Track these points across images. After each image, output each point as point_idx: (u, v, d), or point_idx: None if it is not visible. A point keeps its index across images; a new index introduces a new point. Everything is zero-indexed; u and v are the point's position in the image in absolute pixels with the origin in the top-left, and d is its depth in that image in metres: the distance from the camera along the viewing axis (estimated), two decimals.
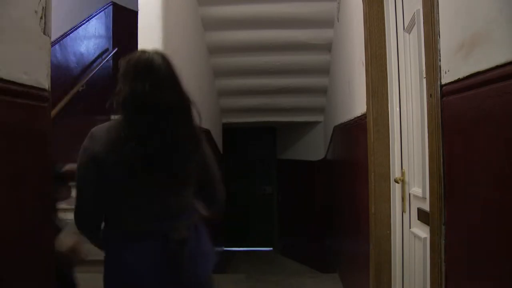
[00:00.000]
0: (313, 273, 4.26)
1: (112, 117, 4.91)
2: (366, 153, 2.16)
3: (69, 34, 3.89)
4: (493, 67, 0.86)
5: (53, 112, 3.22)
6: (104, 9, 4.83)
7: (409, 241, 1.87)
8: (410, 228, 1.86)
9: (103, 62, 4.61)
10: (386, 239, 2.05)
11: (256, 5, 3.49)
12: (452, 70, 1.06)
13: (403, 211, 1.95)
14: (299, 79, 4.25)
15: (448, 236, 1.13)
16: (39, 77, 1.07)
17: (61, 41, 3.75)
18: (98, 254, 1.38)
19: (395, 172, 2.03)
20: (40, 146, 1.09)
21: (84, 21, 4.26)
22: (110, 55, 4.85)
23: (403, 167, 1.96)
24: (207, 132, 3.41)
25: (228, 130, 5.18)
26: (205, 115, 2.33)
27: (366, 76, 2.15)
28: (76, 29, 4.04)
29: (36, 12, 1.05)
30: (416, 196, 1.72)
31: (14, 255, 0.97)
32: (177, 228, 1.28)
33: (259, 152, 6.45)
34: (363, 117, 2.24)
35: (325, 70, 4.08)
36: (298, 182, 5.47)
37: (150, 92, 1.22)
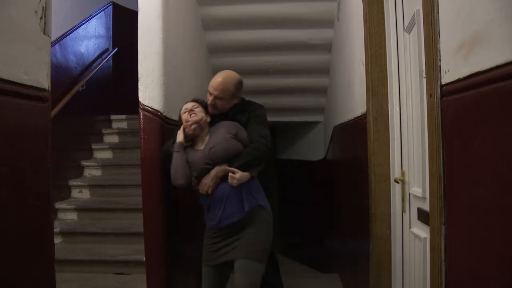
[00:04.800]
0: (313, 273, 4.25)
1: (112, 116, 4.92)
2: (366, 153, 2.16)
3: (69, 34, 3.88)
4: (493, 67, 0.86)
5: (53, 112, 3.22)
6: (104, 9, 4.83)
7: (409, 241, 1.87)
8: (410, 228, 1.86)
9: (103, 62, 4.62)
10: (386, 239, 2.05)
11: (256, 5, 3.49)
12: (452, 70, 1.06)
13: (403, 211, 1.95)
14: (299, 79, 4.24)
15: (448, 236, 1.13)
16: (39, 77, 1.07)
17: (61, 41, 3.74)
18: (97, 254, 1.38)
19: (395, 172, 2.03)
20: (39, 146, 1.09)
21: (84, 21, 4.25)
22: (110, 55, 4.86)
23: (403, 167, 1.96)
24: None
25: None
26: None
27: (366, 76, 2.15)
28: (76, 29, 4.03)
29: (36, 12, 1.05)
30: (416, 196, 1.72)
31: (14, 254, 0.96)
32: None
33: None
34: (363, 117, 2.24)
35: (325, 70, 4.08)
36: (298, 182, 5.46)
37: None
